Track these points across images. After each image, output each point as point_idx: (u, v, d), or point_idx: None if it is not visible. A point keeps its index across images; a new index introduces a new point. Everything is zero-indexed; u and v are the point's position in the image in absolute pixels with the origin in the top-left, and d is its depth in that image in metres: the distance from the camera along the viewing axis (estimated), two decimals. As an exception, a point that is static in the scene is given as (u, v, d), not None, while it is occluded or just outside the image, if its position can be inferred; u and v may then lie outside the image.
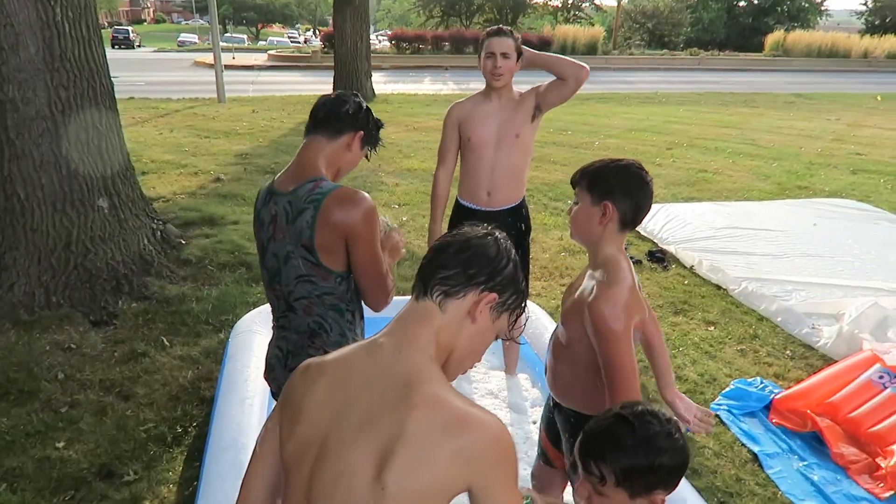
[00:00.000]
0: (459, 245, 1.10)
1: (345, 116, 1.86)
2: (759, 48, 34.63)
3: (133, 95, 14.09)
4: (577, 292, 1.73)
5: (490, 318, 1.12)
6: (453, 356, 1.12)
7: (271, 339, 2.02)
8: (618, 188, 1.66)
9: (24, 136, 3.69)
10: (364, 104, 1.92)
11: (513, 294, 1.14)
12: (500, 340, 1.23)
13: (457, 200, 3.14)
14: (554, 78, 2.87)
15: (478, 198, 3.01)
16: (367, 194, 1.79)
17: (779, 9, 40.85)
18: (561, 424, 1.93)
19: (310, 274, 1.81)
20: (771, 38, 33.55)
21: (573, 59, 2.84)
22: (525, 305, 1.18)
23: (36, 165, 3.73)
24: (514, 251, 1.17)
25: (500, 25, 2.92)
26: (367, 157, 1.98)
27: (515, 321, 1.17)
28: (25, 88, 3.64)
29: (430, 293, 1.09)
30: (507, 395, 3.28)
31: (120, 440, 2.85)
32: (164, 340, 3.66)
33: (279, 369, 1.95)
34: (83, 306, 3.86)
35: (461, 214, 3.07)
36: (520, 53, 2.86)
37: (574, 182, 1.75)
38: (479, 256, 1.10)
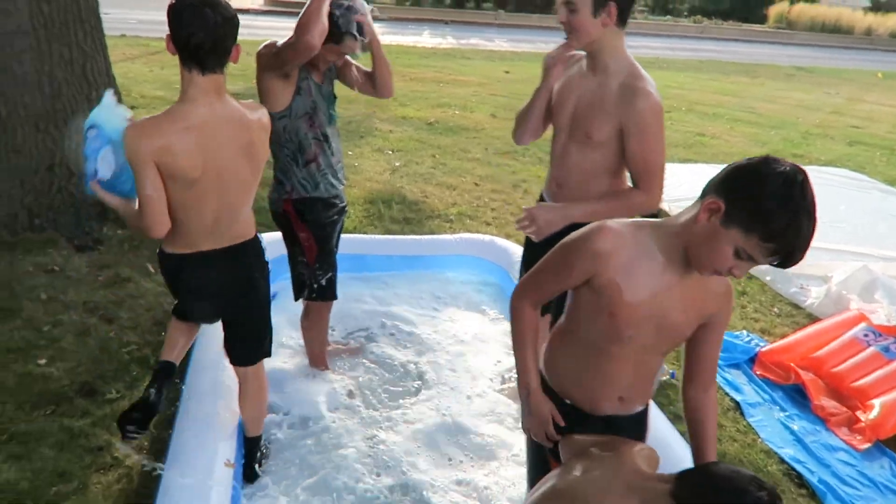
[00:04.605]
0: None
1: None
2: (763, 20, 34.13)
3: (125, 33, 13.66)
4: None
5: None
6: None
7: None
8: None
9: (6, 50, 3.53)
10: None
11: None
12: None
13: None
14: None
15: (548, 186, 2.37)
16: None
17: (785, -20, 40.14)
18: None
19: None
20: (774, 10, 33.02)
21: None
22: None
23: (18, 82, 3.58)
24: None
25: None
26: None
27: None
28: (5, 0, 3.47)
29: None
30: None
31: (103, 360, 2.83)
32: (150, 267, 3.59)
33: None
34: (67, 230, 3.78)
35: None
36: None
37: None
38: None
